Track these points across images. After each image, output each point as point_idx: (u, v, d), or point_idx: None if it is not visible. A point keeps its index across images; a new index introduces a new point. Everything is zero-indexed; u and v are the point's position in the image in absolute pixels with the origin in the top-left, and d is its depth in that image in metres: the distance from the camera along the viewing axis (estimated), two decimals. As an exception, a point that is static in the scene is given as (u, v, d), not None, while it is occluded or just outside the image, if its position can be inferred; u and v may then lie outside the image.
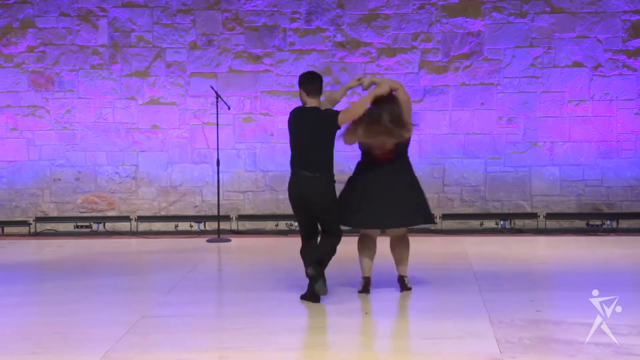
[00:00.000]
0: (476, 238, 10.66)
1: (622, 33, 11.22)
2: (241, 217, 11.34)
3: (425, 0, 11.36)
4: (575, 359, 5.29)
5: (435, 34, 11.36)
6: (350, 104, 7.42)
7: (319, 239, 7.19)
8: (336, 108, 7.39)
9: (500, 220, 11.22)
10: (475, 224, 11.30)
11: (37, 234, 11.35)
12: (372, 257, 7.38)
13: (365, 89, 7.46)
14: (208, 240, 10.60)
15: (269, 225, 11.35)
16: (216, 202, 10.97)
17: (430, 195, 11.42)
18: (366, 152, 7.30)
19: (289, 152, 7.36)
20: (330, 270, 8.04)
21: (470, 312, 6.57)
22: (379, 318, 6.64)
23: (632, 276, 8.20)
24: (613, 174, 11.31)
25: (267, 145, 11.35)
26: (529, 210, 11.36)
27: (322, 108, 7.20)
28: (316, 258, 6.98)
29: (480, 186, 11.41)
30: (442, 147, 11.38)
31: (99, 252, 9.97)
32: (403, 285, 7.36)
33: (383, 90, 7.11)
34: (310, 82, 7.20)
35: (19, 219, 11.53)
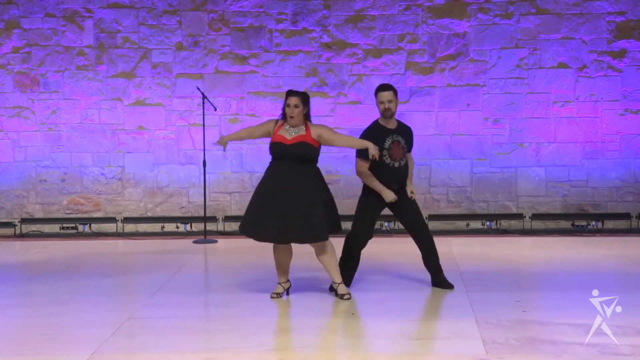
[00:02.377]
0: (462, 239, 10.69)
1: (607, 34, 11.27)
2: (228, 218, 11.33)
3: (411, 2, 11.39)
4: (562, 359, 5.31)
5: (421, 35, 11.38)
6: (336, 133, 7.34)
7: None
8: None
9: (487, 220, 11.26)
10: (461, 224, 11.33)
11: (22, 236, 11.31)
12: (287, 264, 7.27)
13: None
14: (194, 242, 10.59)
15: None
16: (202, 203, 10.95)
17: (417, 196, 11.39)
18: (273, 157, 7.12)
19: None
20: (317, 271, 8.05)
21: (457, 313, 6.58)
22: (365, 319, 6.64)
23: (617, 276, 8.23)
24: (598, 174, 11.36)
25: (254, 146, 11.34)
26: (514, 210, 11.40)
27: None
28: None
29: (466, 187, 11.44)
30: (428, 147, 11.40)
31: (85, 254, 9.94)
32: (335, 292, 7.20)
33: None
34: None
35: (4, 220, 11.49)
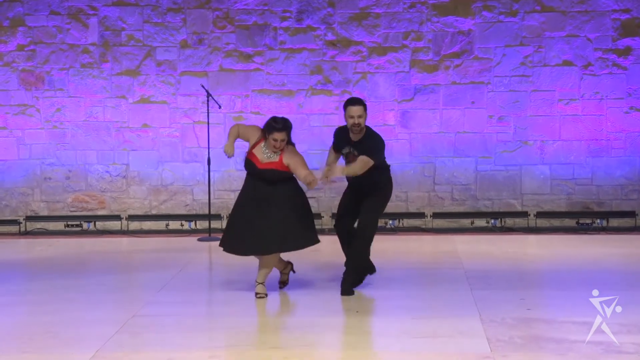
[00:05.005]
0: (467, 237, 10.68)
1: (612, 32, 11.25)
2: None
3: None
4: (566, 358, 5.30)
5: (425, 32, 11.37)
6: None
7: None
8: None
9: (491, 218, 11.24)
10: (466, 222, 11.32)
11: (27, 233, 11.32)
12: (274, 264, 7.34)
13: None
14: (199, 239, 10.59)
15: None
16: (207, 200, 10.96)
17: (421, 194, 11.47)
18: (250, 171, 7.19)
19: None
20: (320, 269, 8.05)
21: (461, 311, 6.58)
22: (369, 317, 6.64)
23: (621, 275, 8.22)
24: (603, 172, 11.34)
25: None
26: (519, 208, 11.39)
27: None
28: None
29: (470, 185, 11.43)
30: (433, 145, 11.39)
31: (89, 251, 9.95)
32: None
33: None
34: None
35: (9, 217, 11.50)
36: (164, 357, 5.42)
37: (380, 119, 11.38)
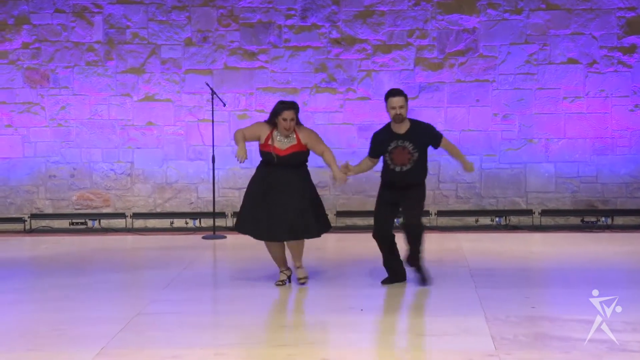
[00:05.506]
0: (471, 235, 10.67)
1: (617, 30, 11.23)
2: (236, 214, 11.29)
3: (420, -3, 11.37)
4: (570, 356, 5.30)
5: (430, 30, 11.36)
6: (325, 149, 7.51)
7: None
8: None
9: (496, 217, 11.24)
10: (470, 220, 11.31)
11: (32, 231, 11.34)
12: (282, 255, 7.52)
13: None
14: (203, 237, 10.60)
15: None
16: (211, 198, 10.97)
17: (426, 192, 11.43)
18: (266, 163, 7.38)
19: None
20: (325, 266, 8.05)
21: (466, 309, 6.57)
22: (374, 315, 6.64)
23: (627, 273, 8.21)
24: (608, 170, 11.32)
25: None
26: (524, 207, 11.38)
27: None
28: None
29: (475, 183, 11.42)
30: (438, 143, 11.37)
31: (94, 249, 9.96)
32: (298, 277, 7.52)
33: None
34: None
35: (14, 215, 11.52)
36: (168, 355, 5.42)
37: (385, 117, 11.31)
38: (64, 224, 11.46)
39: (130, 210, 11.51)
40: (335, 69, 11.41)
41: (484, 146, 11.39)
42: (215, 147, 10.88)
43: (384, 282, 7.50)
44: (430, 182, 11.34)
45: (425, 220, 11.22)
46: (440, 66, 11.35)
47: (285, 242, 7.45)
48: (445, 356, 5.40)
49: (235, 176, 11.49)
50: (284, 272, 7.54)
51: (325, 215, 7.57)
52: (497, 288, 7.34)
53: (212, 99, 10.77)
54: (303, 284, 7.48)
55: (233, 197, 11.47)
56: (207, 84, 11.02)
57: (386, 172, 7.46)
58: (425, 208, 11.23)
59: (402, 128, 7.38)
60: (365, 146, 11.25)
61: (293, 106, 7.30)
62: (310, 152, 7.46)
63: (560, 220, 11.31)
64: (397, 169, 7.37)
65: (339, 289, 7.40)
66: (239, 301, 7.04)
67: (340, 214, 11.24)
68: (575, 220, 11.27)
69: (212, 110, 10.86)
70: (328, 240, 10.24)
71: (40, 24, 11.47)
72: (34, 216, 11.49)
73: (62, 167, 11.57)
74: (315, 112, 11.39)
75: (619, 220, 11.18)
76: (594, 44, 11.27)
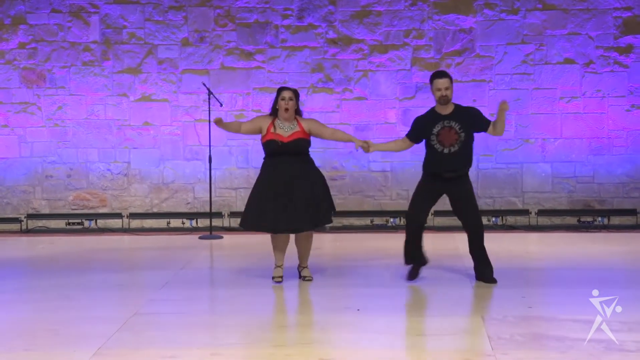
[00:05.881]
0: (468, 235, 10.65)
1: (614, 30, 11.25)
2: (233, 214, 11.33)
3: (417, -3, 11.38)
4: (567, 356, 5.30)
5: (427, 30, 11.37)
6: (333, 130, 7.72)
7: None
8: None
9: (492, 216, 11.25)
10: (467, 220, 11.30)
11: (28, 231, 11.33)
12: (284, 249, 7.60)
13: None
14: (200, 237, 10.59)
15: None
16: (208, 198, 10.96)
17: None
18: (270, 154, 7.44)
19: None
20: (322, 266, 8.04)
21: (462, 309, 6.58)
22: (371, 315, 6.64)
23: (623, 273, 8.22)
24: (604, 170, 11.34)
25: (259, 141, 11.33)
26: (520, 206, 11.39)
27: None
28: None
29: (472, 183, 11.40)
30: (434, 143, 11.38)
31: (90, 249, 9.96)
32: (303, 275, 7.62)
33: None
34: None
35: (10, 215, 11.51)
36: (166, 355, 5.42)
37: (382, 117, 11.38)
38: (61, 224, 11.45)
39: (127, 211, 11.51)
40: (332, 69, 11.42)
41: (480, 146, 11.39)
42: (212, 147, 10.88)
43: (411, 276, 7.49)
44: (426, 182, 11.38)
45: (422, 220, 11.28)
46: (437, 66, 11.35)
47: (295, 238, 7.53)
48: (442, 356, 5.40)
49: (232, 176, 11.49)
50: (281, 267, 7.58)
51: (332, 201, 7.62)
52: (493, 288, 7.34)
53: (209, 99, 10.77)
54: (309, 280, 7.56)
55: (230, 197, 11.47)
56: (204, 84, 11.02)
57: (432, 157, 7.42)
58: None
59: (447, 109, 7.41)
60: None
61: (291, 88, 7.48)
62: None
63: (557, 220, 11.33)
64: (446, 150, 7.36)
65: (336, 289, 7.40)
66: (236, 301, 7.04)
67: (337, 213, 11.21)
68: (571, 220, 11.28)
69: (209, 111, 10.86)
70: (325, 240, 10.25)
71: (37, 24, 11.47)
72: (30, 216, 11.48)
73: (58, 167, 11.56)
74: (312, 112, 11.38)
75: (616, 220, 11.20)
76: (590, 44, 11.28)
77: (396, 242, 10.04)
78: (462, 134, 7.37)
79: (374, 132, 11.36)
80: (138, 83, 11.51)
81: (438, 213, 11.27)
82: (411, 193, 11.35)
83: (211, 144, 10.88)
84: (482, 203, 11.42)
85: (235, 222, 11.32)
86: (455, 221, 11.27)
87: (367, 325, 6.23)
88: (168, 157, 11.53)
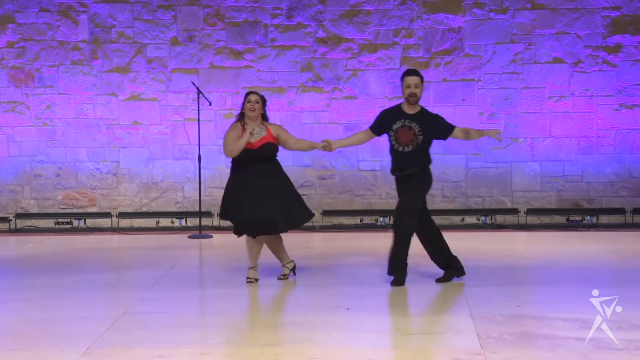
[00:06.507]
0: (457, 234, 10.68)
1: (602, 29, 11.28)
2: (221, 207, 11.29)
3: (406, -3, 11.39)
4: (556, 354, 5.31)
5: (416, 30, 11.38)
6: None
7: None
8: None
9: (482, 215, 11.27)
10: (456, 219, 11.33)
11: (17, 231, 11.30)
12: (259, 250, 7.61)
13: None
14: (189, 237, 10.58)
15: (251, 221, 11.33)
16: (198, 198, 10.95)
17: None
18: (244, 160, 7.48)
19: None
20: (312, 265, 8.04)
21: (452, 308, 6.59)
22: (360, 314, 6.64)
23: (612, 272, 8.25)
24: (593, 169, 11.37)
25: (249, 141, 11.33)
26: (509, 205, 11.41)
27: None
28: None
29: (461, 182, 11.45)
30: (424, 143, 11.38)
31: (79, 249, 9.93)
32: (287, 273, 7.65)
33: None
34: None
35: (-1, 215, 11.47)
36: (155, 354, 5.41)
37: (371, 116, 11.34)
38: (50, 223, 11.42)
39: (116, 210, 11.48)
40: (322, 68, 11.42)
41: (469, 145, 11.41)
42: (201, 147, 10.87)
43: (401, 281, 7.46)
44: (416, 181, 11.39)
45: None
46: (426, 65, 11.36)
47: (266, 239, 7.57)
48: (432, 355, 5.41)
49: (222, 175, 11.47)
50: (255, 269, 7.60)
51: (304, 204, 7.71)
52: (482, 287, 7.35)
53: (198, 98, 10.76)
54: (287, 278, 7.62)
55: (219, 196, 11.38)
56: (193, 83, 11.00)
57: (391, 153, 7.50)
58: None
59: (413, 109, 7.43)
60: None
61: (259, 94, 7.60)
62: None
63: (546, 219, 11.35)
64: (400, 148, 7.39)
65: (326, 288, 7.40)
66: (226, 300, 7.03)
67: (326, 213, 11.24)
68: (560, 219, 11.31)
69: (198, 110, 10.85)
70: (314, 239, 10.25)
71: (25, 22, 11.43)
72: (19, 216, 11.44)
73: (47, 167, 11.53)
74: (301, 111, 11.40)
75: (604, 219, 11.23)
76: (578, 44, 11.31)
77: (386, 241, 10.04)
78: (420, 137, 7.40)
79: (364, 131, 11.35)
80: (127, 82, 11.48)
81: (430, 212, 11.28)
82: (400, 192, 11.45)
83: (200, 143, 10.87)
84: (472, 202, 11.45)
85: (225, 221, 11.29)
86: (444, 220, 11.34)
87: (357, 324, 6.23)
88: (157, 156, 11.51)
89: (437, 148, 11.32)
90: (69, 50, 11.45)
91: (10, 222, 11.38)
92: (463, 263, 8.47)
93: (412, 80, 7.39)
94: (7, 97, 11.48)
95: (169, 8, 11.44)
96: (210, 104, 10.98)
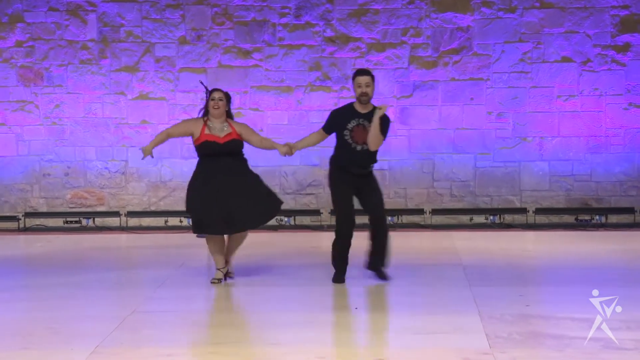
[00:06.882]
0: (465, 233, 10.68)
1: (611, 28, 11.25)
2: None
3: (414, -4, 11.38)
4: (565, 354, 5.30)
5: (424, 29, 11.37)
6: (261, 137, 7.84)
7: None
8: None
9: (490, 215, 11.25)
10: (464, 219, 11.32)
11: (26, 230, 11.32)
12: (223, 251, 7.63)
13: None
14: (198, 236, 10.57)
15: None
16: (206, 197, 10.95)
17: (420, 190, 11.48)
18: (206, 155, 7.52)
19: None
20: (320, 264, 8.05)
21: (460, 307, 6.58)
22: (369, 313, 6.65)
23: (620, 271, 8.22)
24: (602, 169, 11.35)
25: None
26: (518, 205, 11.39)
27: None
28: None
29: (469, 181, 11.43)
30: (432, 142, 11.39)
31: (88, 248, 9.95)
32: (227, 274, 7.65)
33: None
34: None
35: (8, 214, 11.50)
36: (163, 353, 5.42)
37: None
38: (58, 222, 11.44)
39: (125, 209, 11.50)
40: (330, 68, 11.41)
41: (478, 144, 11.41)
42: (209, 146, 10.86)
43: (338, 280, 7.50)
44: (424, 180, 11.40)
45: (419, 218, 11.31)
46: (434, 64, 11.35)
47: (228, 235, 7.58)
48: (440, 354, 5.40)
49: (230, 174, 11.48)
50: (223, 269, 7.59)
51: (274, 194, 7.73)
52: (491, 286, 7.34)
53: (207, 97, 10.74)
54: (232, 278, 7.62)
55: (227, 195, 11.45)
56: (202, 82, 10.97)
57: (344, 152, 7.48)
58: (420, 206, 11.34)
59: (365, 109, 7.47)
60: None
61: (223, 91, 7.65)
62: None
63: (554, 219, 11.33)
64: (358, 147, 7.42)
65: (334, 287, 7.40)
66: (234, 299, 7.04)
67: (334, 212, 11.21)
68: (569, 218, 11.29)
69: (206, 109, 10.84)
70: (322, 238, 10.24)
71: (34, 22, 11.46)
72: (28, 215, 11.47)
73: (56, 166, 11.55)
74: (309, 110, 11.39)
75: (613, 219, 11.21)
76: (587, 43, 11.29)
77: (394, 240, 10.03)
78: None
79: (372, 130, 11.35)
80: (135, 81, 11.50)
81: (435, 212, 11.29)
82: (409, 191, 11.47)
83: (209, 143, 10.86)
84: (480, 201, 11.43)
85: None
86: (452, 219, 11.33)
87: (364, 323, 6.23)
88: (166, 155, 11.51)
89: (445, 147, 11.38)
90: (78, 49, 11.48)
91: (20, 221, 11.40)
92: (472, 262, 8.49)
93: (363, 80, 7.42)
94: (16, 97, 11.50)
95: (178, 7, 11.45)
96: (219, 103, 10.98)
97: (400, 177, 11.37)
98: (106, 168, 11.56)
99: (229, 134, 7.48)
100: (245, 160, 7.60)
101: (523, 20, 11.33)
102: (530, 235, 10.64)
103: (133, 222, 11.48)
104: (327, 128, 7.60)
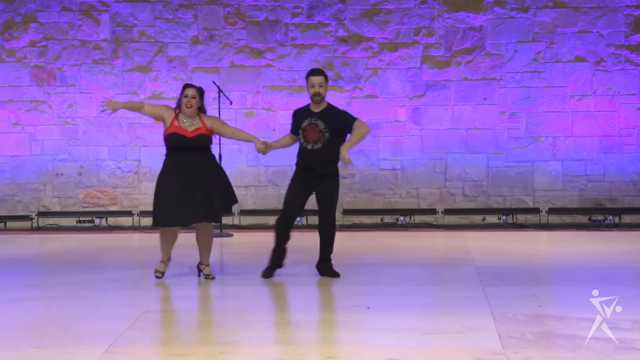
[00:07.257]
0: (478, 233, 10.66)
1: (625, 28, 11.21)
2: (243, 212, 11.34)
3: (427, -5, 11.37)
4: (577, 354, 5.28)
5: (437, 28, 11.35)
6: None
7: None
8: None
9: (503, 215, 11.23)
10: (477, 219, 11.30)
11: (39, 229, 11.36)
12: (173, 244, 7.76)
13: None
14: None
15: (271, 220, 11.28)
16: (218, 197, 10.96)
17: (432, 190, 11.46)
18: (173, 148, 7.56)
19: (292, 147, 7.57)
20: (334, 264, 8.04)
21: (473, 307, 6.56)
22: (380, 313, 6.63)
23: (634, 271, 8.19)
24: (615, 169, 11.31)
25: (269, 140, 11.33)
26: (531, 205, 11.36)
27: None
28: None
29: (482, 181, 11.41)
30: (444, 142, 11.38)
31: (101, 247, 9.97)
32: (201, 272, 7.75)
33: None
34: None
35: (22, 213, 11.54)
36: (175, 352, 5.42)
37: (392, 115, 11.37)
38: (71, 221, 11.48)
39: (137, 208, 11.52)
40: (342, 67, 11.41)
41: (490, 144, 11.38)
42: (221, 146, 10.87)
43: (265, 274, 7.60)
44: (437, 180, 11.38)
45: (432, 218, 11.29)
46: (447, 64, 11.34)
47: (197, 234, 7.69)
48: (453, 354, 5.39)
49: (242, 174, 11.50)
50: (167, 263, 7.73)
51: (233, 193, 7.77)
52: (504, 286, 7.33)
53: (219, 97, 10.77)
54: (213, 279, 7.66)
55: (239, 195, 11.43)
56: (214, 82, 11.02)
57: (300, 152, 7.61)
58: (433, 206, 11.33)
59: (318, 107, 7.58)
60: (371, 144, 11.28)
61: (195, 86, 7.63)
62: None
63: (568, 219, 11.30)
64: (309, 146, 7.50)
65: (346, 287, 7.40)
66: (246, 299, 7.04)
67: (347, 212, 11.24)
68: (582, 218, 11.26)
69: (219, 109, 10.86)
70: (335, 238, 10.23)
71: (48, 22, 11.49)
72: (41, 214, 11.51)
73: (69, 165, 11.59)
74: (322, 110, 11.38)
75: (627, 219, 11.17)
76: (601, 42, 11.25)
77: (407, 240, 10.04)
78: (327, 134, 7.50)
79: (384, 130, 11.35)
80: (148, 81, 11.52)
81: (448, 211, 11.28)
82: (421, 191, 11.46)
83: (221, 142, 10.87)
84: (493, 201, 11.41)
85: (245, 220, 11.33)
86: (465, 219, 11.31)
87: (377, 323, 6.22)
88: (178, 155, 11.52)
89: (457, 147, 11.37)
90: (91, 49, 11.50)
91: (33, 220, 11.44)
92: (485, 262, 8.47)
93: (317, 80, 7.52)
94: (29, 96, 11.54)
95: (190, 7, 11.47)
96: (231, 103, 11.00)
97: (413, 177, 11.35)
98: (119, 168, 11.59)
99: (198, 128, 7.52)
100: (212, 158, 7.66)
101: (536, 19, 11.30)
102: (543, 235, 10.61)
103: (146, 221, 11.50)
104: (292, 129, 7.72)
